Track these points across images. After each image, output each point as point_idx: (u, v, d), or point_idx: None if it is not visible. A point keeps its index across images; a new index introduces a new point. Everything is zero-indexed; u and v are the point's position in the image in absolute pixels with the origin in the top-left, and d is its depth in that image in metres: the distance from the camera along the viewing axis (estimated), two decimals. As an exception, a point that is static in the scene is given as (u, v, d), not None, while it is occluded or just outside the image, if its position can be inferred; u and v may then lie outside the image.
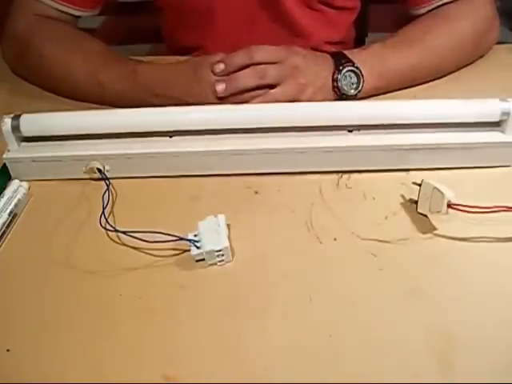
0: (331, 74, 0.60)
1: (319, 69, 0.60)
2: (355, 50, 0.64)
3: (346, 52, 0.62)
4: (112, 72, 0.63)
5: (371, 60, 0.62)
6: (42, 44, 0.66)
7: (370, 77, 0.61)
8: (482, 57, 0.71)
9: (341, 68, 0.59)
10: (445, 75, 0.68)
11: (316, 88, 0.59)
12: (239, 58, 0.58)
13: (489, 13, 0.69)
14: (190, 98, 0.59)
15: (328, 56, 0.61)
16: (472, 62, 0.70)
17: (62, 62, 0.65)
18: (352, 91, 0.60)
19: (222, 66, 0.58)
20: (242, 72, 0.57)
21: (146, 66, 0.62)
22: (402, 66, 0.64)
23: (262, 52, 0.58)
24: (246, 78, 0.57)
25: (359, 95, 0.61)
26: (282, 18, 0.73)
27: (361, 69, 0.60)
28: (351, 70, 0.60)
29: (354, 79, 0.60)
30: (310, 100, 0.58)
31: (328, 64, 0.60)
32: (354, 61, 0.60)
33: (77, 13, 0.69)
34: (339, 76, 0.59)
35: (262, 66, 0.57)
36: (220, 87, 0.57)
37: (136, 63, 0.63)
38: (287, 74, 0.57)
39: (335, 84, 0.60)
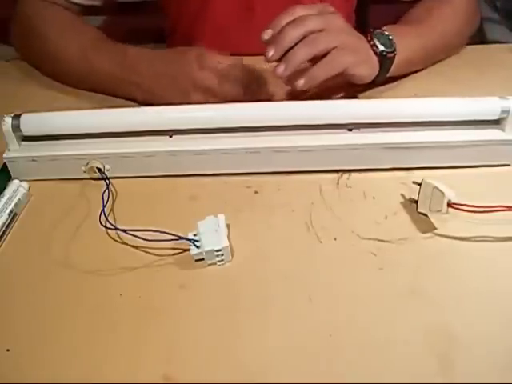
0: (366, 38, 0.60)
1: (355, 33, 0.59)
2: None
3: None
4: (103, 53, 0.64)
5: (392, 32, 0.62)
6: (43, 26, 0.68)
7: (398, 45, 0.61)
8: (482, 42, 0.74)
9: (372, 30, 0.60)
10: (450, 54, 0.72)
11: (358, 51, 0.58)
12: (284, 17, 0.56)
13: None
14: (172, 91, 0.59)
15: None
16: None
17: (58, 43, 0.67)
18: (390, 49, 0.60)
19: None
20: (296, 48, 0.54)
21: (137, 48, 0.63)
22: (418, 44, 0.65)
23: (303, 9, 0.56)
24: (300, 50, 0.54)
25: (396, 62, 0.61)
26: (282, 6, 0.73)
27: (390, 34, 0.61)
28: (380, 33, 0.60)
29: (387, 39, 0.60)
30: (360, 60, 0.57)
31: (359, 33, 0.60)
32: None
33: (79, 1, 0.71)
34: (373, 36, 0.60)
35: (312, 35, 0.55)
36: (280, 69, 0.53)
37: (128, 46, 0.64)
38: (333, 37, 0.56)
39: (372, 43, 0.60)
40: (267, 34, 0.55)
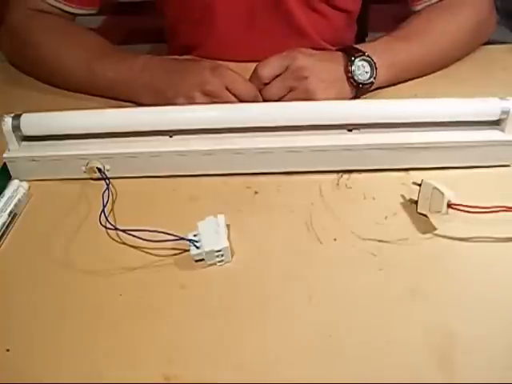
0: (343, 67, 0.60)
1: (329, 63, 0.60)
2: (364, 44, 0.64)
3: (355, 45, 0.62)
4: (108, 60, 0.64)
5: (381, 51, 0.62)
6: (37, 36, 0.67)
7: (381, 67, 0.61)
8: (484, 43, 0.73)
9: (353, 59, 0.60)
10: (447, 66, 0.70)
11: (328, 83, 0.59)
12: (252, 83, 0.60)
13: (487, 2, 0.71)
14: (180, 87, 0.59)
15: (338, 52, 0.62)
16: (471, 57, 0.72)
17: (56, 52, 0.66)
18: (368, 80, 0.61)
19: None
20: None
21: (147, 55, 0.63)
22: (410, 56, 0.65)
23: (268, 69, 0.59)
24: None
25: (374, 84, 0.62)
26: (282, 17, 0.73)
27: (372, 58, 0.61)
28: (364, 60, 0.60)
29: (368, 68, 0.60)
30: (326, 96, 0.58)
31: (339, 58, 0.61)
32: (366, 51, 0.61)
33: (71, 10, 0.71)
34: (352, 67, 0.60)
35: (266, 87, 0.59)
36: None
37: (135, 55, 0.64)
38: (291, 82, 0.58)
39: (350, 75, 0.60)
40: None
